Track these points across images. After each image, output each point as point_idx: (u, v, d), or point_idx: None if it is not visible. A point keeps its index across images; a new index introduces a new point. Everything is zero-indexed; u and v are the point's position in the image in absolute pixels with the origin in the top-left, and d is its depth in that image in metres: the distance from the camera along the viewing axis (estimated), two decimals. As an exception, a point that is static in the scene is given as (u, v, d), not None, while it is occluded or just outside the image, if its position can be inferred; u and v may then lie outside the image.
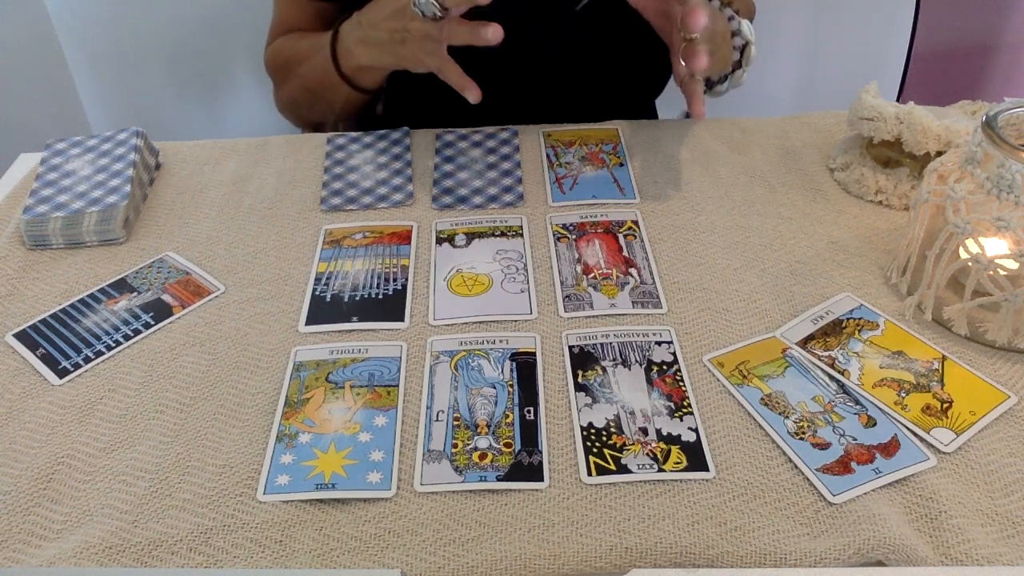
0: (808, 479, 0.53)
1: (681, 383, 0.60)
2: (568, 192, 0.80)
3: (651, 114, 1.09)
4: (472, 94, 0.75)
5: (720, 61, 0.81)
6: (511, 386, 0.60)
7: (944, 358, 0.61)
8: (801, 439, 0.55)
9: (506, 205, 0.78)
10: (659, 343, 0.63)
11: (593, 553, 0.49)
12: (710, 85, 0.86)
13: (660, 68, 0.99)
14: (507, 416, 0.58)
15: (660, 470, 0.54)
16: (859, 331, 0.64)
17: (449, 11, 0.72)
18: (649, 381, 0.60)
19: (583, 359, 0.62)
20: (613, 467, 0.54)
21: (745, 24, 0.82)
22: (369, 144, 0.87)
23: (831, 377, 0.60)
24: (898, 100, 0.82)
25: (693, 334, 0.64)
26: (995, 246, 0.59)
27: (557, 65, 0.92)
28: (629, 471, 0.54)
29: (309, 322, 0.66)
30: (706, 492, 0.53)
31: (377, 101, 1.11)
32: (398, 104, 0.99)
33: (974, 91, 1.67)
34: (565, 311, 0.66)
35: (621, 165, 0.83)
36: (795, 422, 0.57)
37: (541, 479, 0.53)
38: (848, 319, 0.65)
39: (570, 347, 0.63)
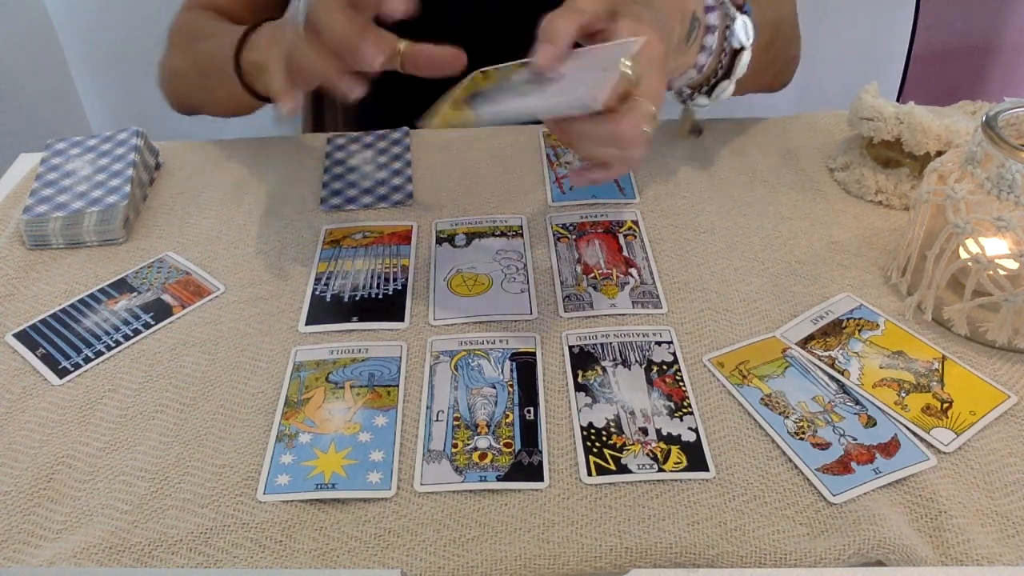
0: (808, 479, 0.53)
1: (681, 383, 0.60)
2: (568, 192, 0.80)
3: None
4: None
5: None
6: (511, 386, 0.60)
7: (944, 358, 0.61)
8: (801, 439, 0.55)
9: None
10: (659, 343, 0.63)
11: (593, 553, 0.49)
12: (690, 95, 0.74)
13: None
14: (507, 416, 0.58)
15: (660, 470, 0.54)
16: (859, 331, 0.64)
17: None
18: (649, 381, 0.60)
19: (583, 359, 0.62)
20: (613, 467, 0.54)
21: (741, 23, 0.68)
22: (369, 144, 0.87)
23: (831, 377, 0.60)
24: (898, 100, 0.82)
25: (693, 334, 0.64)
26: (995, 246, 0.59)
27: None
28: (629, 471, 0.54)
29: (309, 322, 0.66)
30: (706, 492, 0.53)
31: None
32: (389, 103, 0.99)
33: (974, 91, 1.67)
34: (565, 311, 0.66)
35: (621, 165, 0.83)
36: (795, 422, 0.57)
37: (541, 479, 0.53)
38: (848, 319, 0.65)
39: (570, 347, 0.63)
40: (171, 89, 0.88)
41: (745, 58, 0.69)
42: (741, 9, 0.69)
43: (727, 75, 0.69)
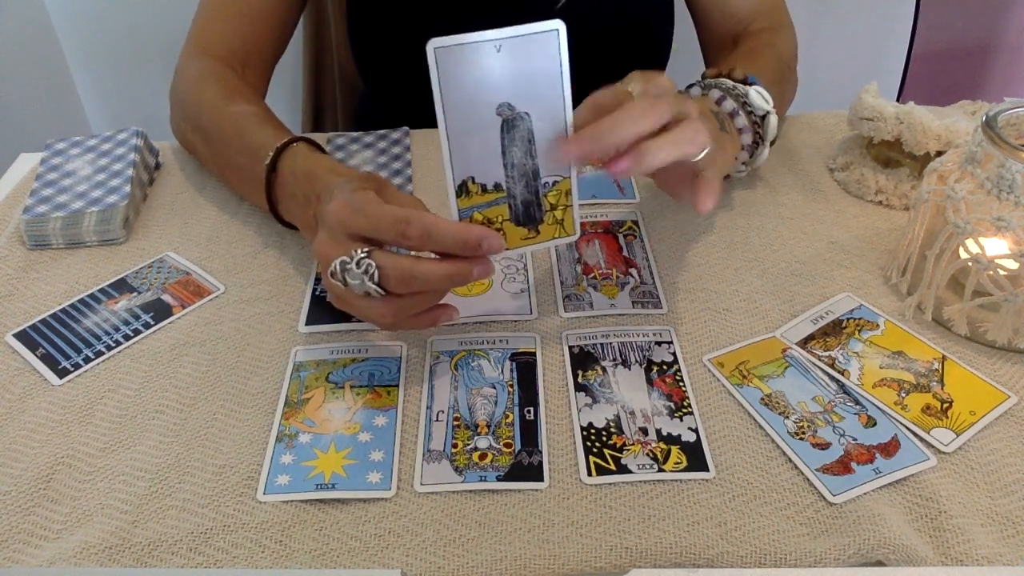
0: (808, 479, 0.53)
1: (681, 383, 0.60)
2: (568, 192, 0.80)
3: None
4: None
5: (721, 167, 0.67)
6: (511, 386, 0.60)
7: (944, 358, 0.61)
8: (801, 439, 0.55)
9: None
10: (659, 343, 0.63)
11: (593, 553, 0.49)
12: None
13: (649, 59, 0.98)
14: (507, 416, 0.58)
15: (660, 470, 0.54)
16: (859, 331, 0.64)
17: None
18: (649, 381, 0.60)
19: (583, 359, 0.62)
20: (613, 467, 0.54)
21: (754, 92, 0.71)
22: (369, 144, 0.87)
23: (831, 377, 0.60)
24: (898, 100, 0.82)
25: (693, 334, 0.64)
26: (995, 246, 0.59)
27: None
28: (629, 471, 0.54)
29: (309, 322, 0.66)
30: (706, 492, 0.53)
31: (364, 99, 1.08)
32: (391, 101, 0.99)
33: (974, 91, 1.67)
34: (565, 311, 0.66)
35: (621, 165, 0.83)
36: (795, 422, 0.57)
37: (541, 479, 0.53)
38: (848, 319, 0.65)
39: (570, 347, 0.63)
40: (189, 151, 0.84)
41: (773, 120, 0.72)
42: (746, 82, 0.72)
43: (760, 140, 0.73)
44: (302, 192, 0.65)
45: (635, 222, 0.76)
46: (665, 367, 0.61)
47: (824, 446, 0.55)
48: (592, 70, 0.94)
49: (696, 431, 0.56)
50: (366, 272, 0.54)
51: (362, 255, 0.54)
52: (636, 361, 0.62)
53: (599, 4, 0.87)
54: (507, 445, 0.55)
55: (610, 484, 0.53)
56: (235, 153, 0.74)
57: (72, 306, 0.68)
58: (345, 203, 0.55)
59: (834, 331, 0.64)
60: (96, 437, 0.57)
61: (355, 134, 0.88)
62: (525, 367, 0.61)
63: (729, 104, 0.70)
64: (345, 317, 0.66)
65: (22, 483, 0.54)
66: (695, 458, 0.54)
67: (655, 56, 0.99)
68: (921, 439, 0.55)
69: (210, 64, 0.81)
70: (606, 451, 0.55)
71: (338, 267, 0.55)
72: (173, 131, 0.85)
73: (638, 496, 0.52)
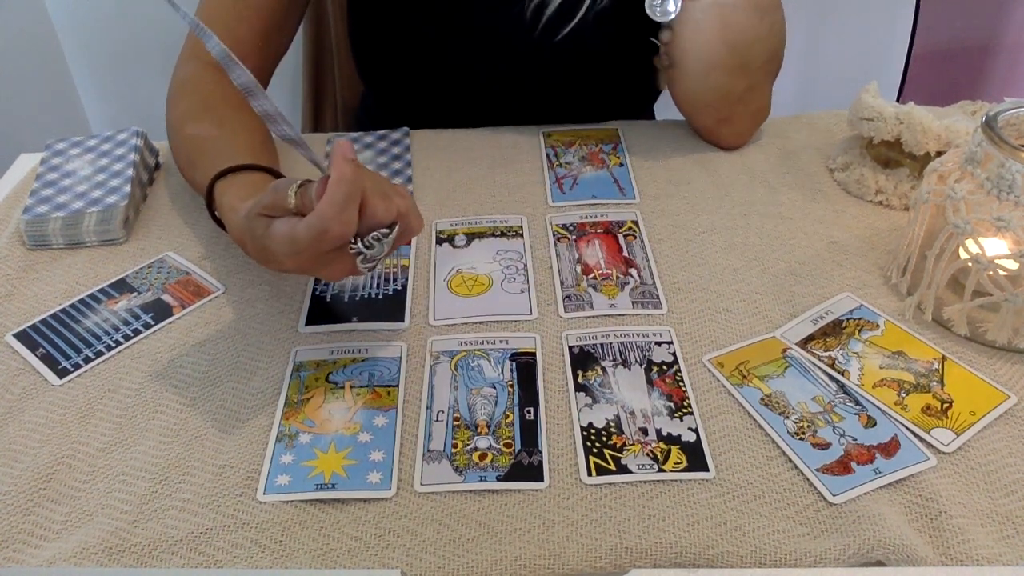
0: (808, 479, 0.53)
1: (681, 383, 0.60)
2: (568, 192, 0.80)
3: (649, 117, 1.09)
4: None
5: None
6: (511, 386, 0.60)
7: (944, 358, 0.61)
8: (801, 439, 0.55)
9: None
10: (659, 343, 0.63)
11: (593, 553, 0.49)
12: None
13: (646, 82, 0.97)
14: (507, 416, 0.58)
15: (660, 470, 0.54)
16: (859, 331, 0.64)
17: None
18: (649, 381, 0.60)
19: (583, 359, 0.62)
20: (613, 467, 0.54)
21: None
22: (369, 144, 0.87)
23: (831, 377, 0.60)
24: (898, 100, 0.82)
25: (693, 334, 0.64)
26: (995, 246, 0.59)
27: (535, 93, 0.90)
28: (629, 471, 0.54)
29: (309, 322, 0.66)
30: (706, 492, 0.53)
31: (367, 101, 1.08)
32: (391, 103, 0.99)
33: (974, 91, 1.67)
34: (565, 311, 0.66)
35: (621, 165, 0.83)
36: (795, 422, 0.57)
37: (541, 479, 0.53)
38: (848, 319, 0.65)
39: (570, 347, 0.63)
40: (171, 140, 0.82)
41: None
42: None
43: None
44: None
45: (635, 222, 0.76)
46: (665, 367, 0.61)
47: (824, 446, 0.55)
48: (594, 83, 0.93)
49: (696, 431, 0.56)
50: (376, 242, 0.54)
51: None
52: (636, 361, 0.62)
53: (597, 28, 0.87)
54: (507, 445, 0.55)
55: (610, 484, 0.53)
56: (192, 184, 0.76)
57: (72, 306, 0.68)
58: (271, 251, 0.55)
59: (834, 331, 0.64)
60: (96, 437, 0.57)
61: (355, 134, 0.88)
62: (525, 367, 0.61)
63: None
64: (345, 317, 0.66)
65: (22, 483, 0.54)
66: (695, 458, 0.54)
67: (641, 88, 0.98)
68: (921, 439, 0.55)
69: (195, 71, 0.79)
70: (606, 451, 0.55)
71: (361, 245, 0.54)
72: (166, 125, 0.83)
73: (638, 496, 0.52)
